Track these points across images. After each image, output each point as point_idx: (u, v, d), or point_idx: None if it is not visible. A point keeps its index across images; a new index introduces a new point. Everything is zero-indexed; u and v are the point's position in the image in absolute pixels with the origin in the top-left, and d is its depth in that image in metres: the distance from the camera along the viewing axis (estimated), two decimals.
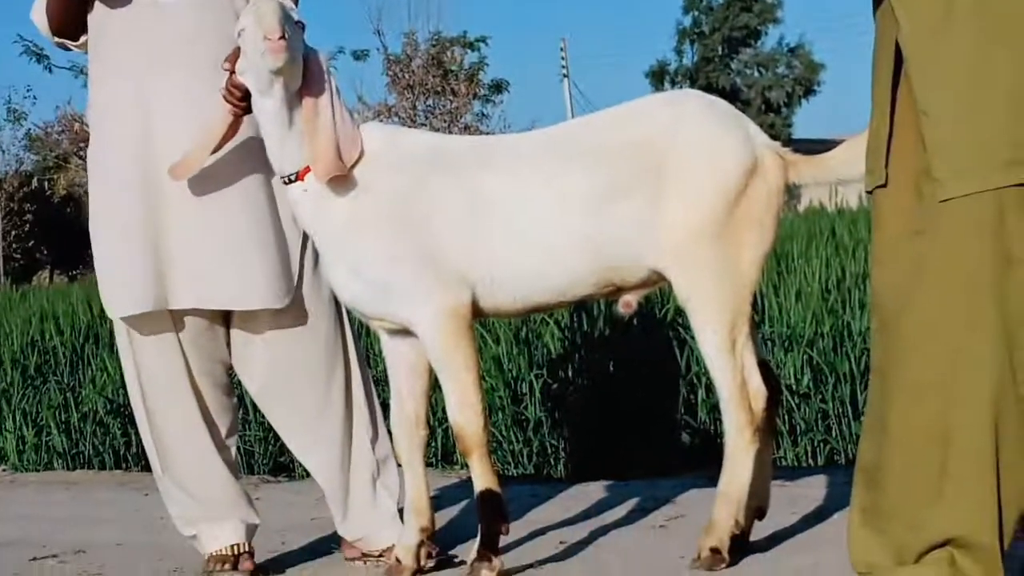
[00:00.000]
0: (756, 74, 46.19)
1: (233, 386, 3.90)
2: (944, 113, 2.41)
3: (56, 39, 3.76)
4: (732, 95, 44.49)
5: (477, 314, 3.44)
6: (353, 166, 3.41)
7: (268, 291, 3.65)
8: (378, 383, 4.93)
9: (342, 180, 3.40)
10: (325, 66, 3.43)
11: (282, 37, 3.27)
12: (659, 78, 46.85)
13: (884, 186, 2.54)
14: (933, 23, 2.42)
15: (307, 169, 3.42)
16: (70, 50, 3.83)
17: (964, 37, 2.40)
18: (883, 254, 2.53)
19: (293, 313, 3.72)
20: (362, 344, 3.93)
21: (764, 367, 3.49)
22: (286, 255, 3.68)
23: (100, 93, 3.72)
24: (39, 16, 3.72)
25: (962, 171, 2.39)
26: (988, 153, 2.39)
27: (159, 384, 3.72)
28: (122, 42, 3.66)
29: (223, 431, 3.80)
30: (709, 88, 43.95)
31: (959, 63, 2.40)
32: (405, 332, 3.46)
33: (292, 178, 3.44)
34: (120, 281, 3.65)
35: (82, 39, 3.77)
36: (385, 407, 3.95)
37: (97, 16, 3.69)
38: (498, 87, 26.62)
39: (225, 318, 3.75)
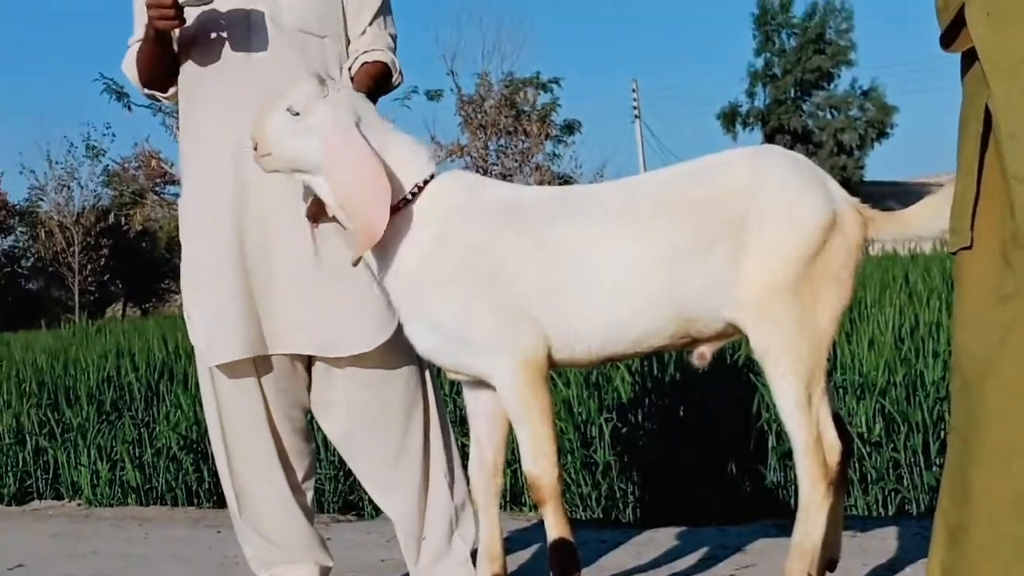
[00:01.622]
0: (828, 116, 46.02)
1: (311, 430, 3.95)
2: None
3: (146, 91, 3.83)
4: (804, 137, 44.37)
5: (552, 365, 3.46)
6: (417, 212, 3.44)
7: (359, 335, 3.69)
8: (455, 424, 4.97)
9: (419, 233, 3.44)
10: (344, 124, 3.39)
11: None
12: (731, 120, 46.79)
13: (969, 248, 2.54)
14: None
15: None
16: (159, 101, 3.90)
17: None
18: (967, 317, 2.52)
19: (375, 358, 3.76)
20: (440, 388, 3.96)
21: (838, 420, 3.48)
22: (378, 298, 3.71)
23: (193, 147, 3.77)
24: (129, 68, 3.79)
25: None
26: None
27: (240, 426, 3.77)
28: (213, 97, 3.72)
29: (300, 474, 3.84)
30: (781, 130, 43.88)
31: None
32: (484, 381, 3.49)
33: None
34: (219, 329, 3.69)
35: (171, 91, 3.83)
36: (463, 451, 3.99)
37: (188, 71, 3.76)
38: (570, 128, 26.72)
39: (306, 363, 3.80)
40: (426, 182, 3.48)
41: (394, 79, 3.84)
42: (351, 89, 3.61)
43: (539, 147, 25.50)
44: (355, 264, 3.40)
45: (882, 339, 5.81)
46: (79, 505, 6.79)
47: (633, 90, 42.59)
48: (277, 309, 3.68)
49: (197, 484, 6.53)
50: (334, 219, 3.48)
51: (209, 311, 3.72)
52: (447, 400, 6.08)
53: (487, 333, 3.39)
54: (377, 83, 3.76)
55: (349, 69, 3.79)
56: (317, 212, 3.52)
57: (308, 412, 3.86)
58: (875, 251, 14.02)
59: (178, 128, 3.91)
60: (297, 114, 3.42)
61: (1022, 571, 2.44)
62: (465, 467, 3.73)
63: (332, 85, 3.47)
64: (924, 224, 3.42)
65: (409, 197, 3.46)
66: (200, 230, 3.74)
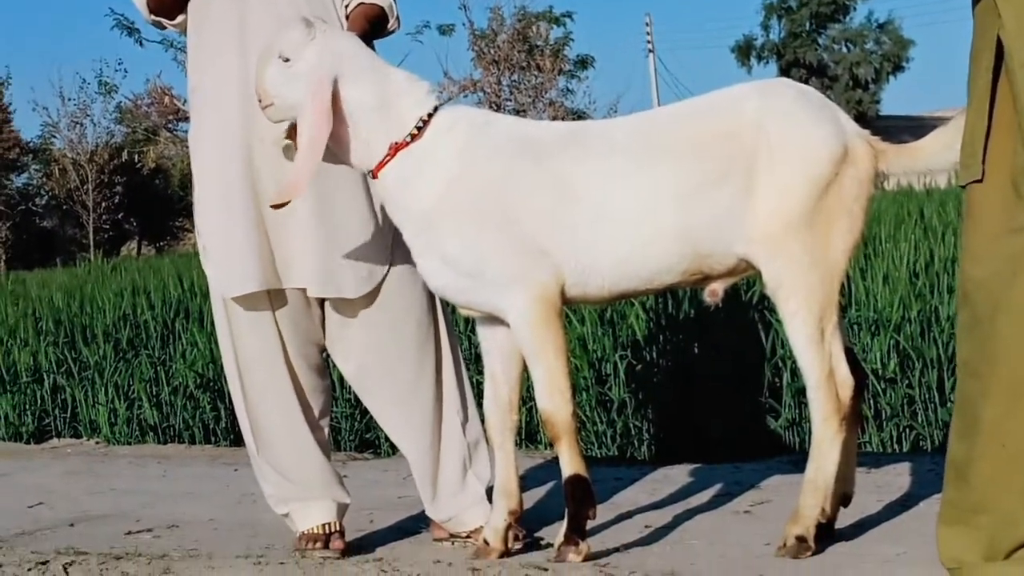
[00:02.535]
0: (844, 50, 45.74)
1: (327, 367, 3.96)
2: None
3: (152, 17, 3.82)
4: (819, 71, 44.13)
5: (565, 302, 3.47)
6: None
7: (362, 277, 3.71)
8: (468, 363, 4.98)
9: (430, 170, 3.45)
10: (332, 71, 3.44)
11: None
12: (745, 53, 46.53)
13: (980, 181, 2.53)
14: None
15: (381, 164, 3.48)
16: (165, 28, 3.89)
17: None
18: (977, 250, 2.52)
19: (389, 297, 3.77)
20: (454, 326, 3.97)
21: (850, 355, 3.49)
22: (380, 241, 3.73)
23: (202, 78, 3.78)
24: None
25: None
26: None
27: (256, 363, 3.79)
28: (224, 27, 3.72)
29: (317, 412, 3.86)
30: (796, 64, 43.63)
31: None
32: (498, 318, 3.50)
33: (371, 175, 3.52)
34: (233, 262, 3.70)
35: (179, 18, 3.82)
36: (475, 388, 4.00)
37: (198, 1, 3.75)
38: (583, 63, 26.58)
39: (321, 300, 3.81)
40: (430, 115, 3.49)
41: (390, 24, 3.83)
42: (340, 31, 3.60)
43: (552, 82, 25.38)
44: (272, 207, 3.47)
45: (897, 275, 5.80)
46: (97, 443, 6.84)
47: (647, 24, 42.35)
48: (289, 243, 3.69)
49: (214, 422, 6.56)
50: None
51: (223, 244, 3.73)
52: (462, 338, 6.10)
53: (501, 269, 3.40)
54: (372, 25, 3.75)
55: (346, 7, 3.78)
56: (293, 134, 3.55)
57: (323, 349, 3.88)
58: (891, 186, 13.97)
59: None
60: (287, 60, 3.44)
61: None
62: (480, 405, 3.75)
63: (319, 28, 3.48)
64: (935, 156, 3.42)
65: (415, 132, 3.47)
66: (210, 163, 3.74)
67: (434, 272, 3.50)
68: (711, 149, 3.38)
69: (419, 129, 3.49)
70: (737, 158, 3.36)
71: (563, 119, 22.47)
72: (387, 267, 3.74)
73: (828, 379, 3.38)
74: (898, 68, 45.53)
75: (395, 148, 3.48)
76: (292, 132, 3.55)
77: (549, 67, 25.11)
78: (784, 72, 43.47)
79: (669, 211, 3.38)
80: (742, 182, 3.36)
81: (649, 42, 42.12)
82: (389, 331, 3.80)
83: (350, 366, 3.86)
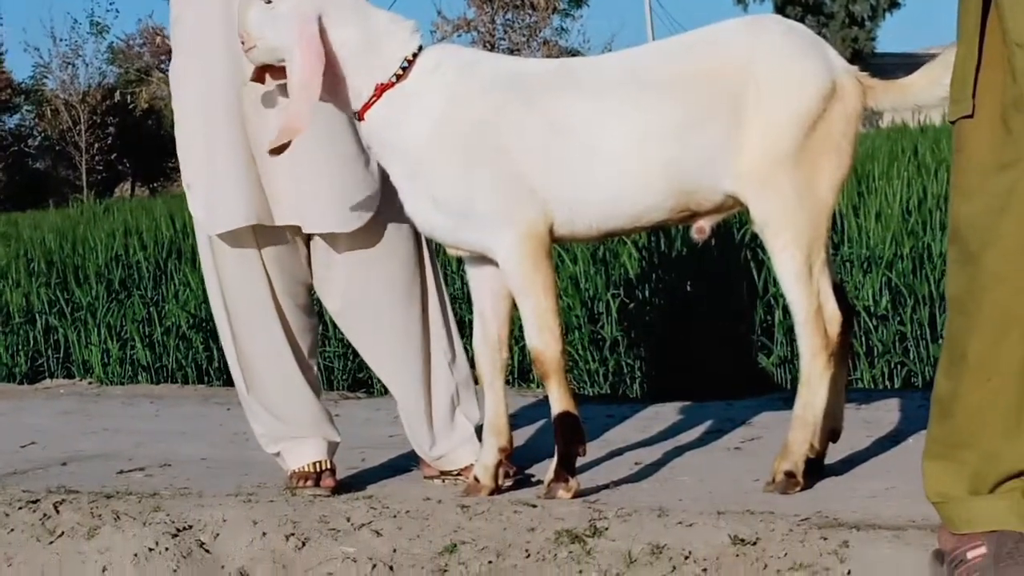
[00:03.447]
0: None
1: (313, 306, 3.96)
2: None
3: None
4: (815, 8, 43.89)
5: (554, 240, 3.47)
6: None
7: (350, 213, 3.70)
8: (455, 301, 4.98)
9: (417, 110, 3.44)
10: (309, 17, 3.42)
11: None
12: None
13: (970, 116, 2.51)
14: None
15: (367, 106, 3.47)
16: None
17: None
18: (967, 185, 2.51)
19: (374, 235, 3.76)
20: (439, 265, 3.97)
21: (839, 291, 3.49)
22: (367, 178, 3.72)
23: (184, 11, 3.75)
24: None
25: None
26: None
27: (243, 303, 3.78)
28: None
29: (306, 351, 3.85)
30: (792, 2, 43.39)
31: None
32: (487, 257, 3.50)
33: (356, 116, 3.51)
34: (220, 198, 3.67)
35: None
36: (464, 327, 4.00)
37: None
38: (577, 1, 26.46)
39: (306, 239, 3.80)
40: (415, 55, 3.47)
41: None
42: None
43: (546, 21, 25.29)
44: (271, 152, 3.43)
45: (889, 212, 5.80)
46: (90, 383, 6.84)
47: None
48: (277, 181, 3.67)
49: (207, 362, 6.57)
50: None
51: (208, 181, 3.70)
52: (453, 277, 6.10)
53: (489, 206, 3.40)
54: None
55: None
56: (259, 76, 3.56)
57: (310, 288, 3.87)
58: (885, 123, 13.94)
59: None
60: (270, 2, 3.43)
61: (1019, 437, 2.46)
62: (470, 344, 3.75)
63: None
64: (923, 92, 3.42)
65: (400, 72, 3.46)
66: (195, 100, 3.71)
67: (421, 211, 3.49)
68: (699, 86, 3.36)
69: (404, 69, 3.47)
70: (725, 94, 3.35)
71: (557, 58, 22.40)
72: (375, 203, 3.73)
73: (816, 315, 3.38)
74: (894, 5, 45.25)
75: (380, 89, 3.47)
76: (260, 74, 3.55)
77: (543, 5, 25.01)
78: (780, 10, 43.23)
79: (657, 148, 3.37)
80: (730, 118, 3.35)
81: None
82: (375, 270, 3.79)
83: (336, 304, 3.85)
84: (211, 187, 3.70)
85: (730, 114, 3.35)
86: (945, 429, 2.55)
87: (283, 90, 3.56)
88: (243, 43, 3.49)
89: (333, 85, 3.46)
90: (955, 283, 2.54)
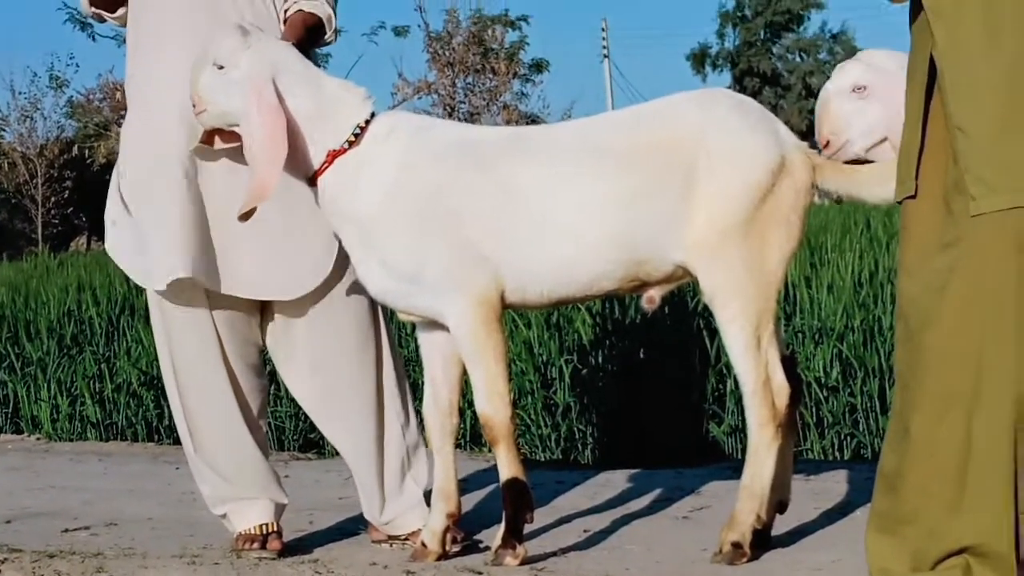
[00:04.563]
0: (797, 59, 45.95)
1: (263, 366, 3.95)
2: (979, 130, 2.43)
3: (93, 10, 3.81)
4: (773, 80, 44.34)
5: (505, 306, 3.48)
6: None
7: (298, 280, 3.70)
8: (408, 363, 4.97)
9: (369, 176, 3.46)
10: (263, 79, 3.44)
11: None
12: (700, 61, 46.68)
13: (914, 197, 2.56)
14: (970, 41, 2.44)
15: (319, 172, 3.49)
16: (104, 21, 3.87)
17: (1002, 57, 2.42)
18: (911, 265, 2.55)
19: (330, 299, 3.76)
20: (392, 328, 3.97)
21: (787, 362, 3.52)
22: (319, 244, 3.72)
23: (139, 66, 3.77)
24: None
25: (995, 188, 2.42)
26: (1021, 171, 2.41)
27: (192, 363, 3.77)
28: (164, 16, 3.71)
29: (255, 411, 3.84)
30: (750, 72, 43.84)
31: (996, 82, 2.42)
32: (438, 323, 3.51)
33: (309, 182, 3.53)
34: (168, 248, 3.63)
35: (119, 11, 3.82)
36: (416, 389, 4.00)
37: None
38: (538, 66, 26.63)
39: (260, 302, 3.79)
40: (367, 121, 3.50)
41: (327, 36, 3.82)
42: (274, 39, 3.60)
43: (507, 86, 25.40)
44: (240, 218, 3.44)
45: (841, 284, 5.84)
46: (38, 439, 6.79)
47: (603, 29, 42.46)
48: (227, 246, 3.66)
49: (157, 420, 6.52)
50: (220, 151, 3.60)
51: (162, 232, 3.64)
52: (408, 340, 6.10)
53: (441, 272, 3.42)
54: (309, 33, 3.74)
55: (285, 12, 3.77)
56: (209, 139, 3.59)
57: (260, 348, 3.86)
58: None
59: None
60: (222, 67, 3.45)
61: (960, 514, 2.48)
62: (420, 408, 3.74)
63: (255, 36, 3.49)
64: (867, 186, 3.46)
65: (352, 139, 3.48)
66: (147, 152, 3.70)
67: (373, 277, 3.50)
68: (650, 157, 3.40)
69: (356, 136, 3.50)
70: (676, 166, 3.39)
71: (517, 123, 22.55)
72: (327, 270, 3.73)
73: (764, 386, 3.41)
74: None
75: (332, 155, 3.49)
76: (209, 137, 3.58)
77: (504, 70, 25.13)
78: (738, 80, 43.66)
79: (608, 218, 3.40)
80: (680, 190, 3.38)
81: (605, 47, 42.23)
82: (330, 333, 3.79)
83: (290, 367, 3.85)
84: (163, 239, 3.64)
85: (681, 185, 3.38)
86: (889, 503, 2.57)
87: (233, 154, 3.58)
88: (194, 106, 3.50)
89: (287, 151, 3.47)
90: (900, 360, 2.58)
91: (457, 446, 3.70)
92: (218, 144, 3.60)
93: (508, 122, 23.28)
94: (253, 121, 3.41)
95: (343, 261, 3.66)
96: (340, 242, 3.60)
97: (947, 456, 2.48)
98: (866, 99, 3.50)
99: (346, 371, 3.81)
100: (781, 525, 3.70)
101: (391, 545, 3.87)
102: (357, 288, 3.73)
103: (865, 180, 3.46)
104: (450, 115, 23.43)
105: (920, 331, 2.50)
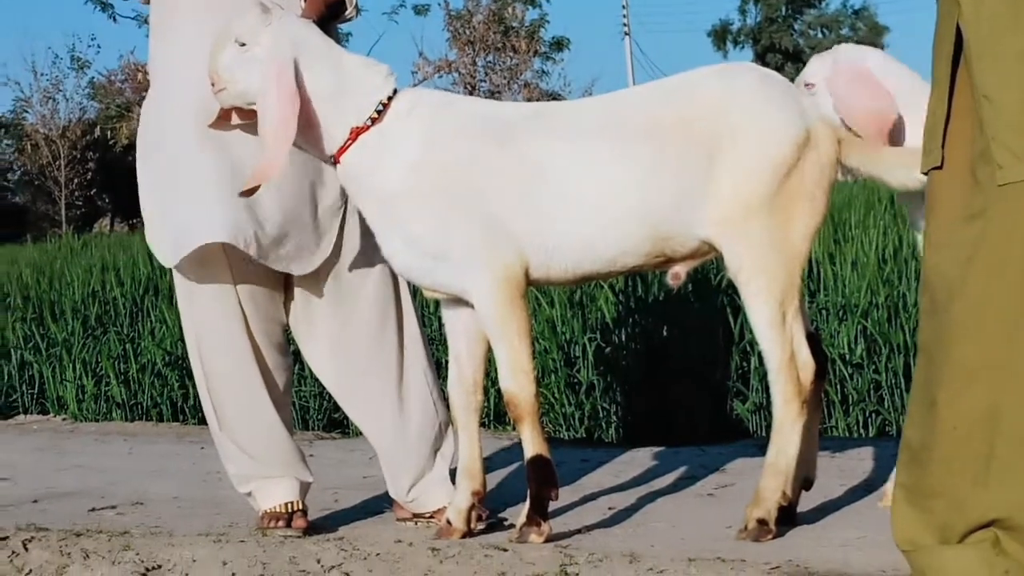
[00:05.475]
0: (819, 35, 45.80)
1: (288, 345, 3.95)
2: (1006, 98, 2.41)
3: None
4: (795, 56, 44.16)
5: (529, 283, 3.48)
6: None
7: (312, 254, 3.72)
8: (433, 343, 4.98)
9: (393, 153, 3.45)
10: (283, 61, 3.43)
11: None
12: (721, 38, 46.57)
13: (940, 168, 2.54)
14: (997, 9, 2.42)
15: (342, 150, 3.48)
16: None
17: None
18: (937, 236, 2.53)
19: (353, 276, 3.77)
20: (417, 306, 3.97)
21: (812, 339, 3.50)
22: (330, 220, 3.74)
23: (162, 46, 3.77)
24: None
25: (1022, 156, 2.39)
26: None
27: (218, 341, 3.77)
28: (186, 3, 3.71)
29: (280, 389, 3.85)
30: (772, 48, 43.67)
31: (1022, 49, 2.40)
32: (463, 300, 3.51)
33: (331, 161, 3.52)
34: (198, 213, 3.61)
35: None
36: (441, 369, 4.00)
37: None
38: (559, 44, 26.62)
39: (283, 278, 3.80)
40: (390, 98, 3.49)
41: (348, 12, 3.81)
42: (295, 17, 3.59)
43: (528, 64, 25.40)
44: (242, 194, 3.44)
45: (865, 260, 5.82)
46: (64, 420, 6.82)
47: (623, 6, 42.30)
48: (263, 224, 3.67)
49: (182, 400, 6.55)
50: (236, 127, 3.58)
51: (189, 199, 3.63)
52: (431, 318, 6.10)
53: (465, 249, 3.41)
54: (330, 10, 3.73)
55: None
56: (226, 115, 3.58)
57: (285, 327, 3.87)
58: None
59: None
60: (243, 44, 3.45)
61: (987, 487, 2.47)
62: (445, 386, 3.74)
63: (276, 13, 3.48)
64: (890, 168, 3.44)
65: (375, 116, 3.47)
66: (175, 128, 3.69)
67: (398, 254, 3.50)
68: (674, 132, 3.39)
69: (379, 113, 3.49)
70: (700, 141, 3.37)
71: (538, 101, 22.49)
72: (336, 245, 3.73)
73: (789, 362, 3.40)
74: None
75: (355, 132, 3.48)
76: (227, 114, 3.56)
77: (524, 48, 25.13)
78: (760, 57, 43.53)
79: (633, 194, 3.39)
80: (704, 165, 3.37)
81: (625, 25, 42.08)
82: (354, 311, 3.80)
83: (313, 345, 3.85)
84: (192, 202, 3.64)
85: (705, 161, 3.37)
86: (914, 477, 2.55)
87: (249, 130, 3.57)
88: (213, 84, 3.50)
89: (307, 130, 3.47)
90: (925, 332, 2.56)
91: (481, 424, 3.69)
92: (235, 120, 3.60)
93: (528, 100, 23.25)
94: (270, 101, 3.41)
95: (368, 238, 3.66)
96: (360, 220, 3.59)
97: (973, 429, 2.46)
98: (815, 95, 3.60)
99: (366, 350, 3.82)
100: (807, 502, 3.69)
101: (416, 523, 3.88)
102: (377, 268, 3.73)
103: (890, 161, 3.44)
104: (471, 94, 23.45)
105: (946, 303, 2.48)
